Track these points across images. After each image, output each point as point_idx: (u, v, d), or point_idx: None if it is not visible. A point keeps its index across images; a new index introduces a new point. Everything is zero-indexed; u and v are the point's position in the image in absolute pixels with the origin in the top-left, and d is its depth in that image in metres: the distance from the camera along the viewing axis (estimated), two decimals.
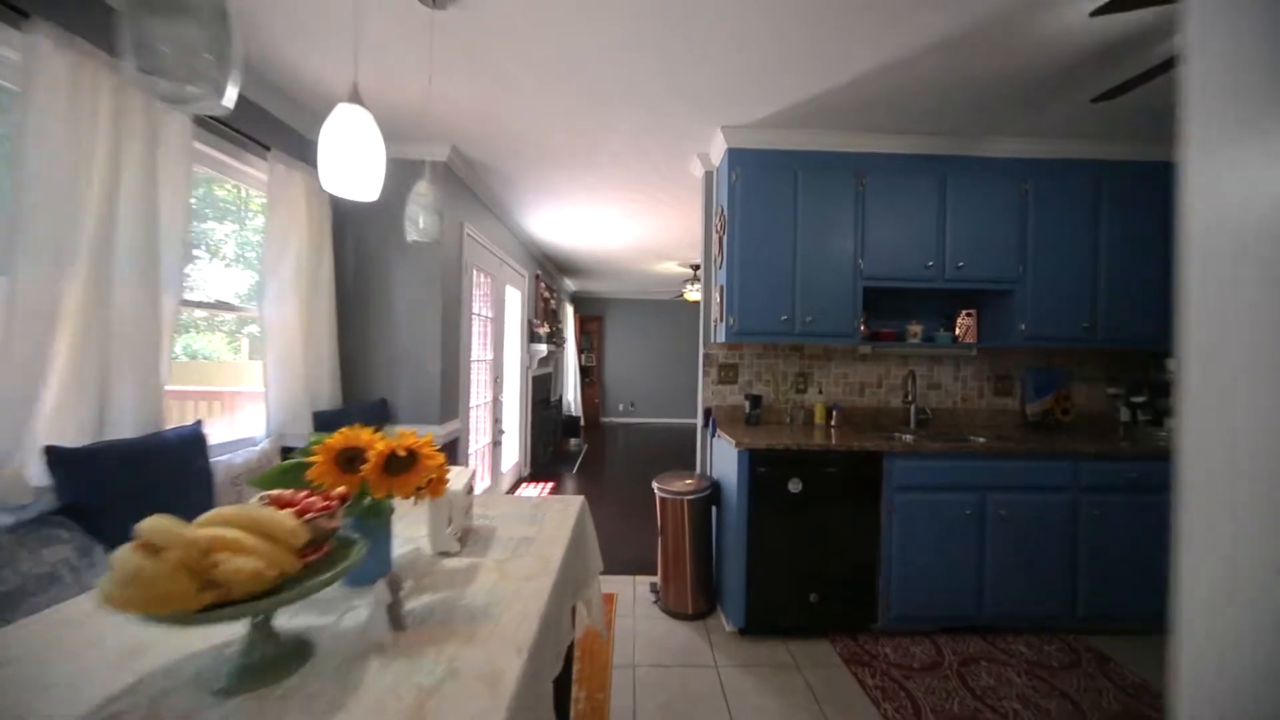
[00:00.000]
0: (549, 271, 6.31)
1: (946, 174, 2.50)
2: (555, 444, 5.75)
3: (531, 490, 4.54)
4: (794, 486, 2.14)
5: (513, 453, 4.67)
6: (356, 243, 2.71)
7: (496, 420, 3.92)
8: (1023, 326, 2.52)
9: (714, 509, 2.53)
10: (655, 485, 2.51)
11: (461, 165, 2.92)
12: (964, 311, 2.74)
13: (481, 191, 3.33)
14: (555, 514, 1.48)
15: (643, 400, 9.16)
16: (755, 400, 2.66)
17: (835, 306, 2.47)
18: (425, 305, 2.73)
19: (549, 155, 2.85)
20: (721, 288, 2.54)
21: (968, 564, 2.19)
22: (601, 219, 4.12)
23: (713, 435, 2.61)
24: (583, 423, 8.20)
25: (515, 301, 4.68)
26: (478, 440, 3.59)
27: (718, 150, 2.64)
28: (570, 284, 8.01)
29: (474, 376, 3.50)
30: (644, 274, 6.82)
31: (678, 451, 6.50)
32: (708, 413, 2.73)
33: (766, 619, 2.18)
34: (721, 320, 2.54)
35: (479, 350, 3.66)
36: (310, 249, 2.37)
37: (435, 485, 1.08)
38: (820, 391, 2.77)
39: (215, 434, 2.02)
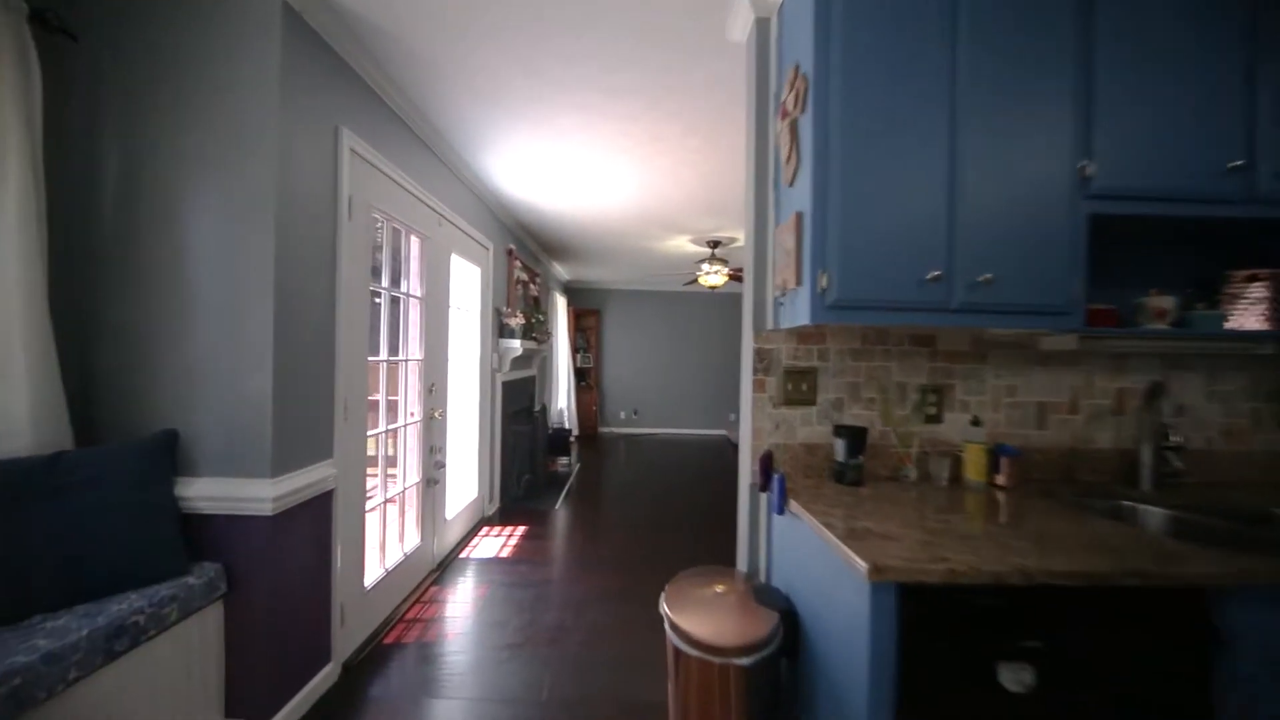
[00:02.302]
0: (530, 251, 5.08)
1: None
2: (535, 467, 4.53)
3: (494, 540, 3.30)
4: (1014, 680, 0.87)
5: (469, 487, 3.43)
6: (124, 151, 1.48)
7: (433, 448, 2.69)
8: None
9: (783, 660, 1.28)
10: (666, 611, 1.26)
11: (328, 20, 1.68)
12: (1242, 273, 1.47)
13: (389, 90, 2.09)
14: None
15: (647, 408, 7.91)
16: (855, 437, 1.40)
17: (1035, 254, 1.21)
18: (246, 265, 1.50)
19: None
20: (796, 220, 1.28)
21: None
22: (586, 162, 2.87)
23: (778, 507, 1.35)
24: (576, 435, 6.96)
25: (472, 280, 3.45)
26: (390, 486, 2.35)
27: None
28: (562, 271, 6.78)
29: (388, 385, 2.27)
30: (648, 255, 5.58)
31: (693, 474, 5.24)
32: (764, 461, 1.47)
33: None
34: (798, 283, 1.27)
35: (397, 346, 2.43)
36: None
37: None
38: (976, 422, 1.49)
39: None
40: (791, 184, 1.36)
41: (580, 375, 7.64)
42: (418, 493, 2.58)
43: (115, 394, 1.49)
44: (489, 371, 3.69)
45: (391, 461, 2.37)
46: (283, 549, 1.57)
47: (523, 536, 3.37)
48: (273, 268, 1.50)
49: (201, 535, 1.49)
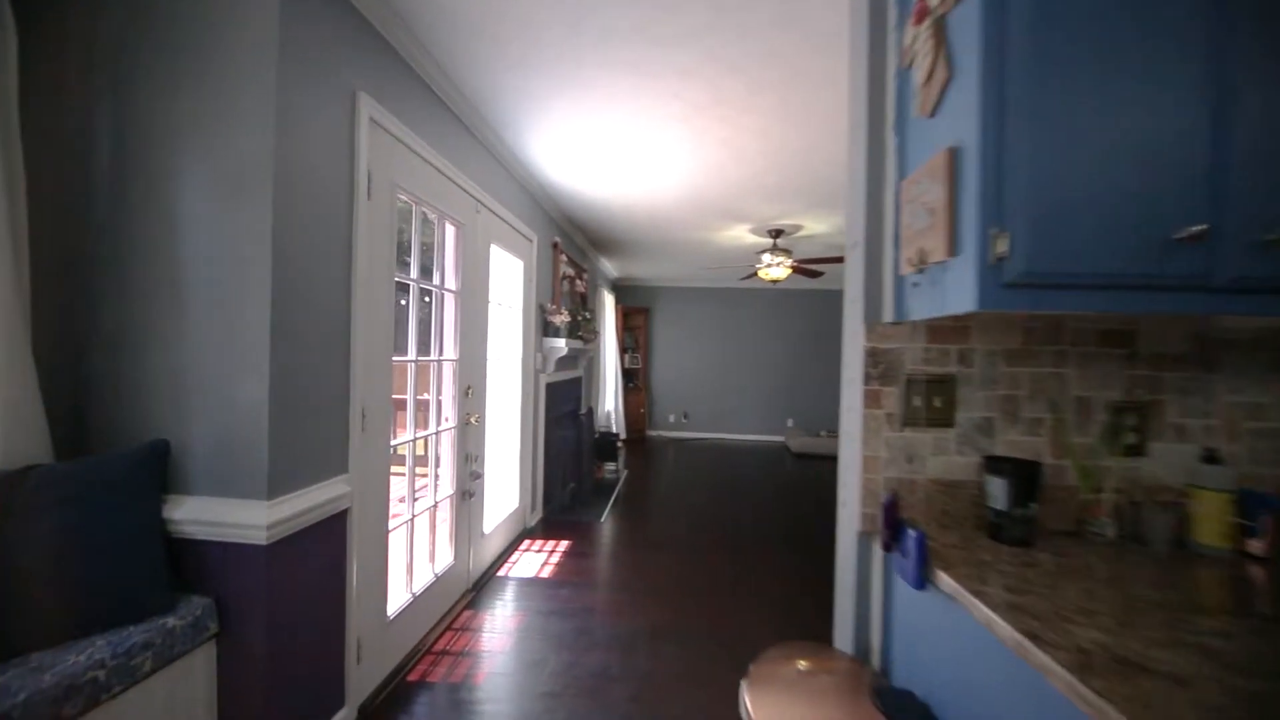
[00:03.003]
0: (577, 246, 4.83)
1: None
2: (580, 474, 4.27)
3: (535, 556, 3.04)
4: None
5: (509, 498, 3.20)
6: (116, 123, 1.29)
7: (469, 457, 2.45)
8: None
9: None
10: (751, 716, 0.89)
11: None
12: None
13: (416, 54, 1.84)
14: None
15: (698, 411, 7.51)
16: (1024, 477, 0.97)
17: None
18: (238, 249, 1.27)
19: None
20: (947, 160, 0.87)
21: None
22: (635, 137, 2.54)
23: (915, 579, 0.94)
24: (623, 439, 6.67)
25: (514, 275, 3.21)
26: (419, 501, 2.11)
27: None
28: (610, 267, 6.51)
29: (417, 389, 2.04)
30: (703, 248, 5.18)
31: (749, 485, 4.80)
32: (890, 509, 1.06)
33: None
34: (950, 253, 0.86)
35: (428, 345, 2.20)
36: None
37: None
38: (1213, 458, 1.01)
39: None
40: (933, 113, 0.95)
41: (628, 376, 7.36)
42: (452, 506, 2.34)
43: (108, 401, 1.30)
44: (532, 372, 3.45)
45: (421, 469, 2.14)
46: (285, 580, 1.34)
47: (566, 553, 3.09)
48: (269, 252, 1.26)
49: (192, 564, 1.28)
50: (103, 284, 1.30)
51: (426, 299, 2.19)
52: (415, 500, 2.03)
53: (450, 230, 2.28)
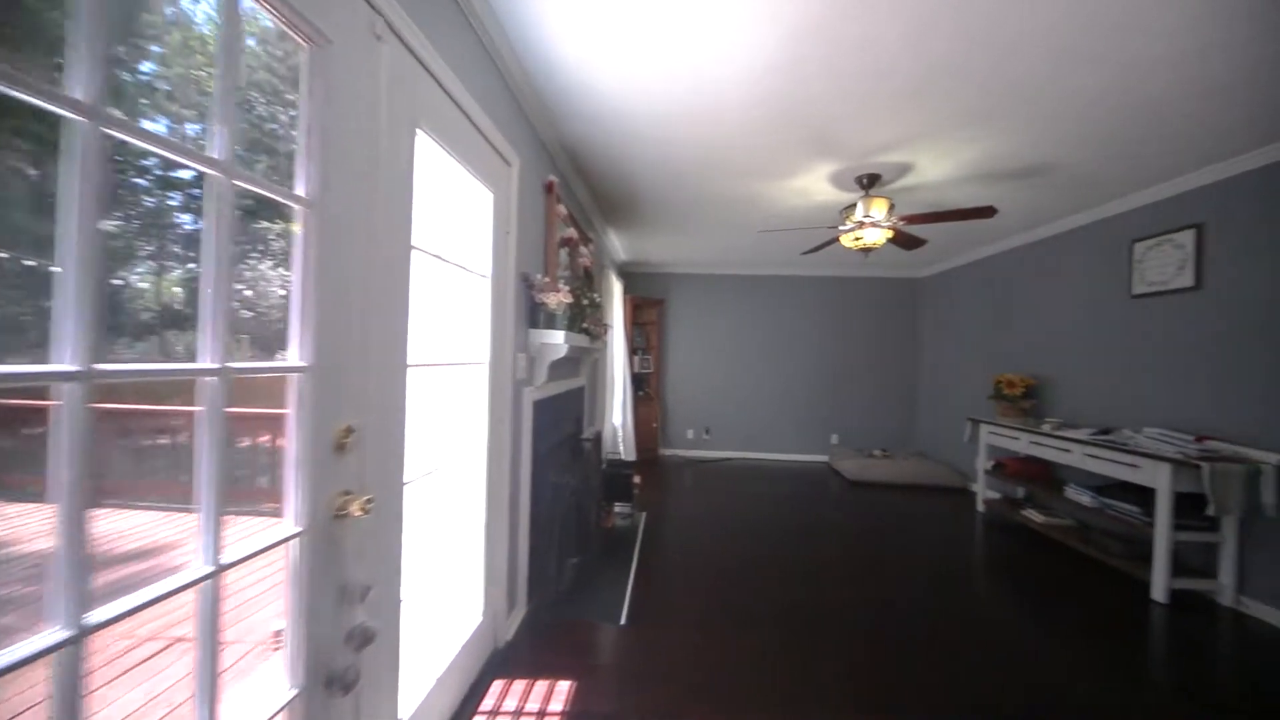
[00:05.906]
0: (580, 203, 3.45)
1: None
2: (587, 535, 2.87)
3: None
4: None
5: (465, 610, 1.81)
6: None
7: (346, 590, 1.06)
8: None
9: None
10: None
11: None
12: None
13: None
14: None
15: (722, 426, 6.16)
16: None
17: None
18: None
19: None
20: None
21: None
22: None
23: None
24: (633, 462, 5.29)
25: (477, 212, 1.83)
26: None
27: None
28: (618, 245, 5.14)
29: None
30: (750, 209, 3.83)
31: (826, 533, 3.42)
32: None
33: None
34: None
35: (203, 326, 0.81)
36: None
37: None
38: None
39: None
40: None
41: (637, 383, 5.98)
42: None
43: None
44: (509, 385, 2.06)
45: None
46: None
47: (572, 697, 1.70)
48: None
49: None
50: None
51: (189, 195, 0.81)
52: None
53: (282, 40, 0.90)
